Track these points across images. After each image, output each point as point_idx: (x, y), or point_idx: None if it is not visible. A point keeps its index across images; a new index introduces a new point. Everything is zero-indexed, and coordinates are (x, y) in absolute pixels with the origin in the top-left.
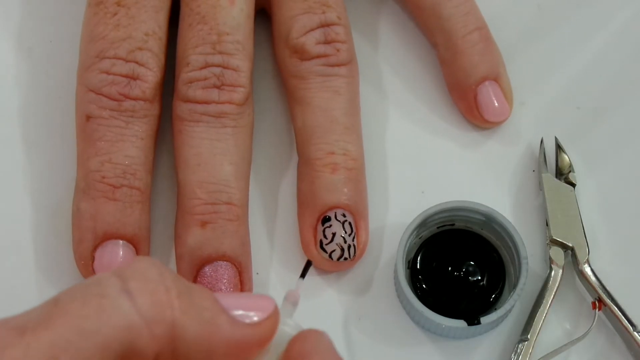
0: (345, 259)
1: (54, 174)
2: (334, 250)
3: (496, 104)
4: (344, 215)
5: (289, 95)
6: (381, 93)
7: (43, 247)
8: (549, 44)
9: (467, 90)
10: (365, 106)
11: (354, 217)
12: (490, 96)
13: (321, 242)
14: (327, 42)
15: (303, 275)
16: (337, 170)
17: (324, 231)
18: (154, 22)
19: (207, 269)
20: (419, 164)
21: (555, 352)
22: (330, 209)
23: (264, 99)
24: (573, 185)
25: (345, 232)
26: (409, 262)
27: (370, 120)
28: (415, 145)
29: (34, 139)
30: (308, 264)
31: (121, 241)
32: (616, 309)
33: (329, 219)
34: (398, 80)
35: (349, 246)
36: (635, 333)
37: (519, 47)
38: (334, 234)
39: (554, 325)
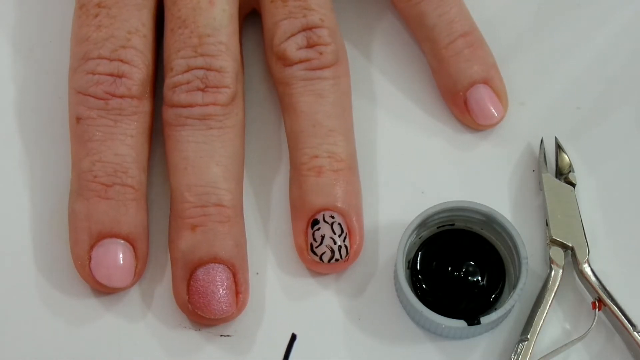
0: (337, 260)
1: (54, 175)
2: (324, 253)
3: (488, 107)
4: (332, 217)
5: (280, 102)
6: (381, 94)
7: (42, 247)
8: (549, 44)
9: (457, 97)
10: (365, 107)
11: (345, 218)
12: (481, 100)
13: (311, 245)
14: (309, 46)
15: (286, 357)
16: (322, 173)
17: (313, 234)
18: (137, 20)
19: (199, 272)
20: (419, 164)
21: (555, 352)
22: (318, 211)
23: (262, 99)
24: (573, 185)
25: (335, 233)
26: (409, 262)
27: (370, 121)
28: (415, 145)
29: (34, 139)
30: (292, 340)
31: (118, 240)
32: (616, 309)
33: (317, 222)
34: (398, 80)
35: (340, 247)
36: (635, 333)
37: (519, 47)
38: (322, 236)
39: (554, 325)
